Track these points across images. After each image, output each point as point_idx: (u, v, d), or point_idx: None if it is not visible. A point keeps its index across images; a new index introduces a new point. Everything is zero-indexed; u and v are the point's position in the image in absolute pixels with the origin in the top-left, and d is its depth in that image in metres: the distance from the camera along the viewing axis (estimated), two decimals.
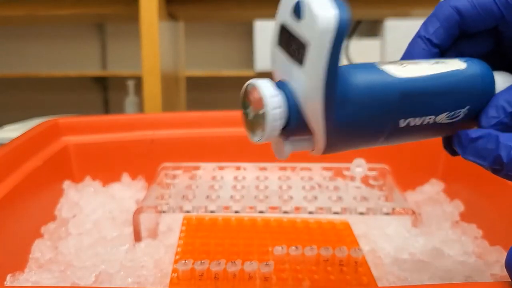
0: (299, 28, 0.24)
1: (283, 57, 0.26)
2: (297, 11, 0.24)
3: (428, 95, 0.25)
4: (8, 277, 0.33)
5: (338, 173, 0.44)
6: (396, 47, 1.89)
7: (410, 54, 0.28)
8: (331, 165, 0.45)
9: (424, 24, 0.29)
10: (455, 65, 0.26)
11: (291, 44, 0.25)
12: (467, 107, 0.26)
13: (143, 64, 0.90)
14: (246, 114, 0.26)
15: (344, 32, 0.22)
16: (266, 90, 0.25)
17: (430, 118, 0.26)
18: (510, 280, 0.22)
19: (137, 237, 0.38)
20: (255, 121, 0.25)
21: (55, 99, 2.68)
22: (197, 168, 0.45)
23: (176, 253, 0.36)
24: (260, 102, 0.25)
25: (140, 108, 1.57)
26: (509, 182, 0.29)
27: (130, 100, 1.54)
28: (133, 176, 0.49)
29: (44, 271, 0.34)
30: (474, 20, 0.28)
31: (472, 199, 0.41)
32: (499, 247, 0.36)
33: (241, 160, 0.47)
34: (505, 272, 0.33)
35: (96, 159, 0.49)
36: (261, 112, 0.25)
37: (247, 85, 0.26)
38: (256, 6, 1.00)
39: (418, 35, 0.29)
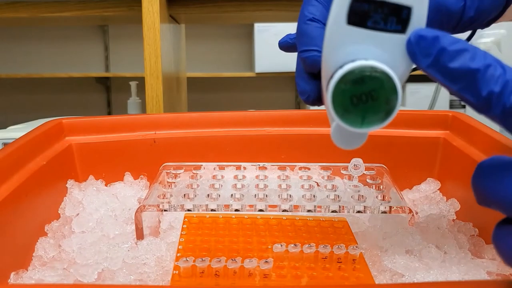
0: None
1: (358, 34, 0.25)
2: None
3: None
4: (12, 275, 0.33)
5: (336, 172, 0.45)
6: None
7: (312, 37, 0.30)
8: (329, 165, 0.45)
9: (306, 8, 0.30)
10: None
11: (373, 16, 0.24)
12: None
13: (145, 66, 0.91)
14: (352, 99, 0.25)
15: None
16: (395, 76, 0.24)
17: None
18: (507, 279, 0.23)
19: (139, 235, 0.39)
20: (367, 108, 0.25)
21: (59, 100, 2.69)
22: (198, 167, 0.46)
23: (178, 251, 0.36)
24: (388, 91, 0.24)
25: (142, 108, 1.57)
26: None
27: (133, 100, 1.54)
28: (135, 176, 0.49)
29: (48, 269, 0.35)
30: None
31: (468, 198, 0.42)
32: None
33: (241, 160, 0.48)
34: (501, 271, 0.34)
35: (99, 159, 0.49)
36: (388, 100, 0.24)
37: (362, 67, 0.24)
38: (256, 8, 1.01)
39: (308, 19, 0.30)
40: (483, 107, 0.22)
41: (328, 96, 0.25)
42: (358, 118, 0.25)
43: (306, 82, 0.31)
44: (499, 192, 0.21)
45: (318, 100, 0.31)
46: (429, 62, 0.24)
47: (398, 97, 0.24)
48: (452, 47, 0.23)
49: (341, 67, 0.25)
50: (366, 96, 0.24)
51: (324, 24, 0.30)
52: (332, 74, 0.26)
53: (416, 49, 0.24)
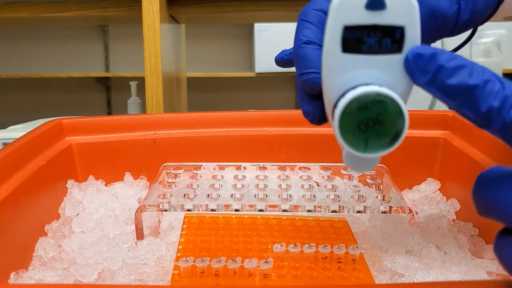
0: (383, 17, 0.24)
1: (355, 61, 0.25)
2: (378, 1, 0.24)
3: None
4: (12, 275, 0.33)
5: (336, 172, 0.45)
6: None
7: (309, 60, 0.30)
8: (329, 165, 0.45)
9: (301, 32, 0.31)
10: None
11: (367, 41, 0.25)
12: None
13: (145, 66, 0.91)
14: (358, 125, 0.25)
15: None
16: (400, 100, 0.24)
17: None
18: (507, 279, 0.23)
19: (139, 235, 0.39)
20: (375, 133, 0.25)
21: (59, 100, 2.69)
22: (198, 167, 0.46)
23: (178, 251, 0.36)
24: (393, 114, 0.24)
25: (142, 108, 1.57)
26: None
27: (133, 100, 1.54)
28: (135, 176, 0.49)
29: (48, 269, 0.35)
30: None
31: (468, 198, 0.42)
32: None
33: (241, 160, 0.48)
34: (501, 271, 0.34)
35: (99, 159, 0.49)
36: (395, 124, 0.24)
37: (365, 94, 0.24)
38: (256, 8, 1.01)
39: (304, 42, 0.30)
40: (482, 122, 0.22)
41: (335, 126, 0.25)
42: (368, 144, 0.25)
43: (309, 104, 0.31)
44: (499, 203, 0.21)
45: (323, 120, 0.31)
46: (427, 79, 0.24)
47: (405, 118, 0.24)
48: (450, 64, 0.23)
49: (343, 95, 0.25)
50: (372, 121, 0.24)
51: (320, 46, 0.30)
52: (335, 102, 0.26)
53: (414, 67, 0.24)
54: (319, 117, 0.31)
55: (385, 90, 0.24)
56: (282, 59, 0.38)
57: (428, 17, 0.30)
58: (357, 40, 0.25)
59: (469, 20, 0.32)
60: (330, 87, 0.26)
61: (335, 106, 0.26)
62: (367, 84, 0.25)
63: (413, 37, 0.25)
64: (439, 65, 0.23)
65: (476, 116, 0.23)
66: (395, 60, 0.25)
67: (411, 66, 0.25)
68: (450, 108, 0.24)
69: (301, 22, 0.32)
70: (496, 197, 0.21)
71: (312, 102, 0.31)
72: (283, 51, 0.38)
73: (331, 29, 0.25)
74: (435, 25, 0.31)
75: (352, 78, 0.25)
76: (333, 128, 0.27)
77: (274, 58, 0.39)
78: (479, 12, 0.32)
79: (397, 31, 0.25)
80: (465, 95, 0.23)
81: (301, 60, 0.30)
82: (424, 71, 0.24)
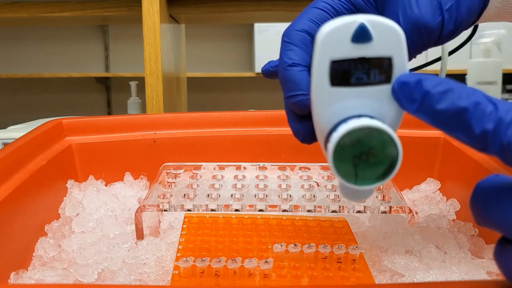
0: (369, 50, 0.24)
1: (344, 93, 0.25)
2: (364, 34, 0.24)
3: None
4: (12, 275, 0.33)
5: None
6: None
7: (295, 82, 0.30)
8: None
9: (285, 54, 0.31)
10: None
11: (355, 74, 0.25)
12: None
13: (145, 66, 0.91)
14: (352, 159, 0.25)
15: None
16: (391, 131, 0.24)
17: None
18: (506, 279, 0.23)
19: (139, 235, 0.39)
20: (369, 165, 0.25)
21: (59, 100, 2.69)
22: (198, 167, 0.46)
23: (178, 251, 0.36)
24: (386, 146, 0.24)
25: (142, 108, 1.57)
26: None
27: (133, 100, 1.54)
28: (135, 176, 0.49)
29: (47, 269, 0.34)
30: None
31: (468, 198, 0.42)
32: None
33: (241, 160, 0.48)
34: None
35: (99, 159, 0.49)
36: (388, 155, 0.24)
37: (356, 128, 0.24)
38: (256, 8, 1.01)
39: (288, 65, 0.30)
40: (479, 146, 0.22)
41: (329, 161, 0.25)
42: (362, 176, 0.25)
43: (299, 124, 0.31)
44: (499, 216, 0.21)
45: (314, 139, 0.31)
46: (415, 107, 0.23)
47: (398, 149, 0.24)
48: (436, 89, 0.23)
49: (335, 128, 0.25)
50: (366, 154, 0.24)
51: (305, 67, 0.30)
52: (327, 135, 0.26)
53: (401, 95, 0.24)
54: (309, 136, 0.31)
55: (376, 123, 0.24)
56: (268, 71, 0.38)
57: (411, 30, 0.30)
58: (345, 73, 0.25)
59: (454, 30, 0.31)
60: (320, 118, 0.26)
61: (327, 139, 0.26)
62: (359, 116, 0.25)
63: (400, 66, 0.25)
64: (425, 91, 0.23)
65: (472, 139, 0.22)
66: (384, 90, 0.25)
67: (398, 95, 0.24)
68: (446, 133, 0.23)
69: (284, 44, 0.32)
70: (495, 209, 0.21)
71: (302, 123, 0.31)
72: (269, 62, 0.38)
73: (318, 64, 0.25)
74: (420, 37, 0.30)
75: (343, 109, 0.25)
76: (327, 159, 0.27)
77: (275, 52, 0.39)
78: (463, 21, 0.32)
79: (385, 62, 0.25)
80: (456, 118, 0.22)
81: (287, 83, 0.30)
82: (412, 99, 0.24)
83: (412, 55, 0.31)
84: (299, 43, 0.31)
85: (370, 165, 0.25)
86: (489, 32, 1.24)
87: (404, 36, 0.25)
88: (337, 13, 0.33)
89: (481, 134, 0.21)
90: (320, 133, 0.27)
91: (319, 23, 0.32)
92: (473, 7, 0.32)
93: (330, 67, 0.25)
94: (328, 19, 0.31)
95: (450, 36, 0.32)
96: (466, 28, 0.34)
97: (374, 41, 0.24)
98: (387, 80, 0.25)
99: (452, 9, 0.31)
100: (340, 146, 0.24)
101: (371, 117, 0.25)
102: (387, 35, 0.24)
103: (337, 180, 0.28)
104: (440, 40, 0.32)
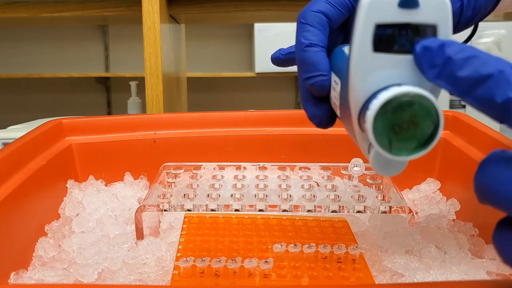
0: (415, 16, 0.24)
1: (386, 60, 0.25)
2: (411, 0, 0.24)
3: None
4: (12, 275, 0.33)
5: (336, 172, 0.45)
6: None
7: (314, 63, 0.30)
8: (329, 165, 0.45)
9: (302, 35, 0.31)
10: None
11: (398, 40, 0.24)
12: None
13: (145, 66, 0.91)
14: (392, 127, 0.24)
15: None
16: (435, 100, 0.23)
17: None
18: (507, 279, 0.22)
19: (139, 235, 0.39)
20: (410, 135, 0.24)
21: (59, 100, 2.69)
22: (198, 167, 0.46)
23: (178, 251, 0.36)
24: (428, 115, 0.23)
25: (142, 108, 1.57)
26: None
27: (133, 100, 1.55)
28: (135, 176, 0.49)
29: (48, 269, 0.35)
30: (337, 17, 0.32)
31: (468, 198, 0.42)
32: None
33: (241, 160, 0.48)
34: (501, 271, 0.34)
35: (99, 159, 0.49)
36: (430, 125, 0.24)
37: (401, 94, 0.23)
38: (256, 8, 1.01)
39: (306, 46, 0.30)
40: (500, 115, 0.21)
41: (369, 130, 0.24)
42: (402, 146, 0.24)
43: (316, 107, 0.31)
44: (499, 190, 0.21)
45: (331, 122, 0.31)
46: (436, 73, 0.23)
47: (440, 119, 0.24)
48: (459, 55, 0.22)
49: (374, 96, 0.24)
50: (407, 123, 0.24)
51: (322, 47, 0.30)
52: (363, 104, 0.25)
53: (423, 60, 0.23)
54: (326, 120, 0.31)
55: (419, 90, 0.23)
56: (278, 58, 0.38)
57: None
58: (388, 38, 0.24)
59: (471, 17, 0.31)
60: (358, 88, 0.25)
61: (364, 107, 0.25)
62: (399, 85, 0.24)
63: (445, 36, 0.24)
64: (447, 57, 0.22)
65: (493, 109, 0.21)
66: None
67: (420, 60, 0.24)
68: (466, 103, 0.23)
69: (301, 25, 0.31)
70: (496, 184, 0.21)
71: (319, 105, 0.31)
72: (279, 50, 0.38)
73: (361, 28, 0.24)
74: None
75: (383, 78, 0.25)
76: (356, 133, 0.26)
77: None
78: (481, 8, 0.32)
79: (429, 30, 0.24)
80: (478, 86, 0.21)
81: (306, 64, 0.30)
82: (433, 64, 0.23)
83: None
84: (316, 24, 0.31)
85: (410, 135, 0.24)
86: (489, 32, 1.24)
87: (450, 5, 0.24)
88: None
89: (503, 103, 0.21)
90: (354, 103, 0.26)
91: (335, 5, 0.32)
92: None
93: (374, 31, 0.24)
94: (345, 2, 0.31)
95: (467, 23, 0.32)
96: (482, 18, 0.33)
97: (421, 8, 0.24)
98: None
99: None
100: (381, 113, 0.23)
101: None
102: (434, 2, 0.24)
103: (368, 153, 0.27)
104: (457, 27, 0.32)
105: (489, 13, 0.34)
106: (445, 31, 0.24)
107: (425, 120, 0.24)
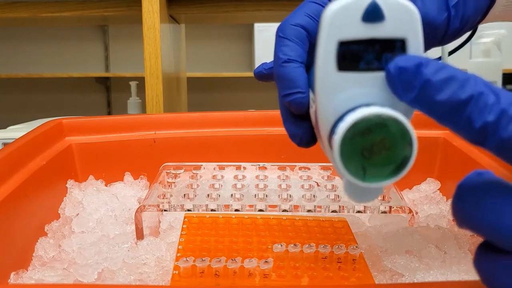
0: (382, 30, 0.22)
1: (352, 79, 0.23)
2: (376, 13, 0.22)
3: None
4: (12, 275, 0.33)
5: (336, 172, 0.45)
6: None
7: (291, 79, 0.28)
8: (329, 165, 0.45)
9: (280, 50, 0.29)
10: None
11: (365, 57, 0.22)
12: None
13: (145, 66, 0.91)
14: (361, 152, 0.22)
15: None
16: (406, 121, 0.21)
17: None
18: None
19: (139, 235, 0.39)
20: (380, 160, 0.22)
21: (59, 100, 2.69)
22: (198, 167, 0.46)
23: (177, 251, 0.36)
24: (399, 137, 0.21)
25: (142, 108, 1.57)
26: None
27: (133, 100, 1.55)
28: (135, 176, 0.49)
29: (47, 269, 0.35)
30: (315, 30, 0.29)
31: None
32: None
33: (241, 160, 0.48)
34: None
35: (99, 159, 0.49)
36: (402, 148, 0.22)
37: (367, 117, 0.21)
38: (256, 8, 1.01)
39: (284, 61, 0.29)
40: (477, 140, 0.20)
41: (335, 154, 0.22)
42: (372, 173, 0.22)
43: (295, 126, 0.29)
44: (482, 218, 0.20)
45: (312, 142, 0.30)
46: (412, 96, 0.21)
47: (413, 141, 0.22)
48: (438, 76, 0.20)
49: (341, 118, 0.22)
50: (377, 147, 0.22)
51: (301, 63, 0.28)
52: (332, 127, 0.23)
53: (397, 81, 0.21)
54: (307, 139, 0.29)
55: (388, 111, 0.21)
56: (261, 73, 0.36)
57: None
58: (353, 56, 0.22)
59: (459, 28, 0.30)
60: (325, 109, 0.23)
61: (332, 131, 0.23)
62: (367, 105, 0.22)
63: (415, 50, 0.23)
64: (425, 79, 0.20)
65: (470, 133, 0.20)
66: None
67: (394, 81, 0.21)
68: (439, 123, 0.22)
69: (279, 39, 0.30)
70: (476, 212, 0.20)
71: (299, 124, 0.29)
72: (262, 64, 0.36)
73: (324, 46, 0.23)
74: (424, 34, 0.29)
75: (350, 98, 0.23)
76: (329, 156, 0.25)
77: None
78: (469, 19, 0.30)
79: (397, 44, 0.22)
80: (457, 111, 0.20)
81: (283, 80, 0.28)
82: (409, 87, 0.21)
83: None
84: (295, 38, 0.29)
85: (381, 159, 0.22)
86: (489, 32, 1.24)
87: (419, 16, 0.22)
88: None
89: (481, 128, 0.20)
90: (323, 126, 0.24)
91: (316, 19, 0.30)
92: (480, 4, 0.31)
93: (337, 49, 0.22)
94: None
95: (455, 34, 0.30)
96: (471, 28, 0.32)
97: (387, 21, 0.22)
98: None
99: (459, 6, 0.29)
100: (348, 137, 0.21)
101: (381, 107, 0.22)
102: (401, 14, 0.22)
103: (342, 179, 0.25)
104: (445, 38, 0.30)
105: (478, 23, 0.33)
106: (416, 45, 0.23)
107: (397, 142, 0.22)
